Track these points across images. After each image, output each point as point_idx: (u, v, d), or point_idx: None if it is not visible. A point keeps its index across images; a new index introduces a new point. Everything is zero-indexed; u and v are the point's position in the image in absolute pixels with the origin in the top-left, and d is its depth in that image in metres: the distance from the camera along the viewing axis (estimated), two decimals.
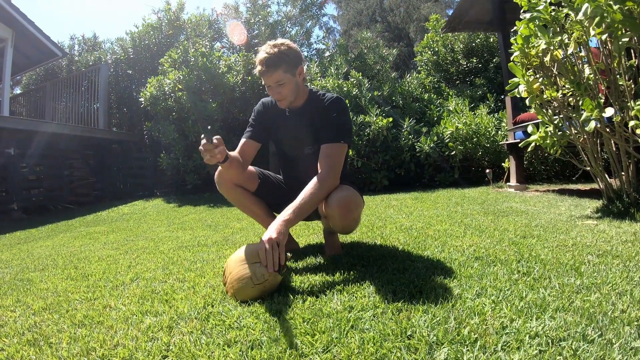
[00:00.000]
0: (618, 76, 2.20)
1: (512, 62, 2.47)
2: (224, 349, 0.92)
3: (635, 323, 0.89)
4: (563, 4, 2.17)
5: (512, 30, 2.72)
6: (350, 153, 5.07)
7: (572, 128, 2.45)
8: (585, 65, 2.31)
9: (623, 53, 2.13)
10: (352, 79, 5.92)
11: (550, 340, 0.84)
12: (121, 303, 1.34)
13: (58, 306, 1.38)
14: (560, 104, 2.40)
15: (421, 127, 5.37)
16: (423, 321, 0.96)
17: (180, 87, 6.10)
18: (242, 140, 1.78)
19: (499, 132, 5.18)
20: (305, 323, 1.02)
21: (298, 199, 1.45)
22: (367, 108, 5.34)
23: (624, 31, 1.97)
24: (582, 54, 2.35)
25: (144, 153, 7.72)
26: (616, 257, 1.42)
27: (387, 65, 7.23)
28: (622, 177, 2.40)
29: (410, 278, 1.31)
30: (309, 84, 5.79)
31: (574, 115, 2.33)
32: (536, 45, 2.36)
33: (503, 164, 4.76)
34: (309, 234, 2.42)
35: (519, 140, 3.65)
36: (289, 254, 1.32)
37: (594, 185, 3.69)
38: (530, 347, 0.82)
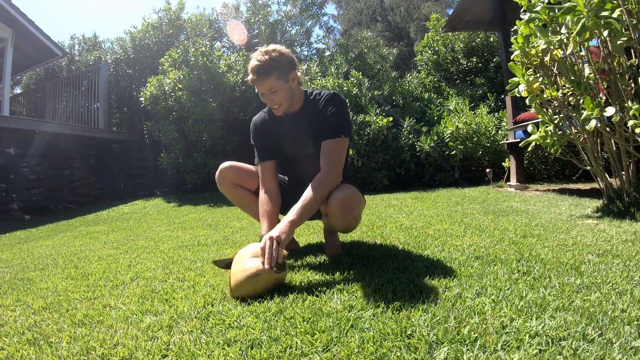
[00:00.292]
0: (618, 75, 2.20)
1: (512, 62, 2.46)
2: (224, 348, 0.92)
3: (636, 322, 0.89)
4: (556, 10, 2.17)
5: (512, 29, 2.72)
6: (351, 152, 5.07)
7: (572, 127, 2.45)
8: (585, 65, 2.30)
9: (623, 52, 2.13)
10: (352, 79, 5.92)
11: (550, 340, 0.84)
12: (121, 302, 1.34)
13: (58, 305, 1.38)
14: (561, 104, 2.40)
15: (421, 126, 5.36)
16: (423, 320, 0.96)
17: (180, 86, 6.10)
18: (258, 167, 1.74)
19: (499, 131, 5.18)
20: (305, 322, 1.02)
21: (301, 200, 1.45)
22: (367, 107, 5.33)
23: (623, 31, 1.97)
24: (582, 53, 2.35)
25: (144, 153, 7.73)
26: (616, 257, 1.42)
27: (387, 65, 7.23)
28: (622, 176, 2.39)
29: (411, 277, 1.31)
30: (308, 83, 5.80)
31: (574, 114, 2.33)
32: (536, 44, 2.35)
33: (503, 163, 4.76)
34: (309, 233, 2.42)
35: (519, 140, 3.65)
36: (285, 251, 1.32)
37: (594, 185, 3.69)
38: (530, 346, 0.82)
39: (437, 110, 5.96)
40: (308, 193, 1.47)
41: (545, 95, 2.42)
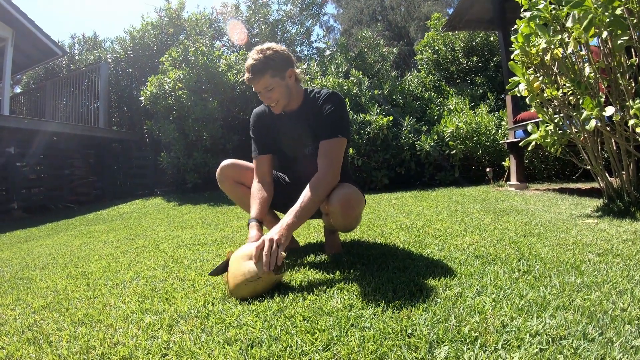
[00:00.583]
0: (618, 75, 2.20)
1: (512, 61, 2.46)
2: (224, 347, 0.92)
3: (636, 322, 0.89)
4: (563, 2, 2.17)
5: (512, 29, 2.71)
6: (351, 152, 5.07)
7: (573, 127, 2.44)
8: (586, 64, 2.30)
9: (623, 52, 2.13)
10: (352, 78, 5.91)
11: (550, 339, 0.84)
12: (121, 301, 1.34)
13: (58, 304, 1.38)
14: (561, 103, 2.40)
15: (421, 125, 5.36)
16: (423, 319, 0.96)
17: (180, 85, 6.10)
18: (255, 160, 1.75)
19: (500, 131, 5.18)
20: (305, 321, 1.02)
21: (299, 202, 1.45)
22: (367, 107, 5.33)
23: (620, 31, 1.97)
24: (583, 52, 2.35)
25: (144, 152, 7.72)
26: (617, 256, 1.41)
27: (387, 64, 7.23)
28: (622, 176, 2.39)
29: (411, 276, 1.31)
30: (309, 82, 5.79)
31: (575, 114, 2.33)
32: (536, 44, 2.35)
33: (503, 162, 4.76)
34: (309, 232, 2.42)
35: (519, 139, 3.65)
36: (283, 253, 1.32)
37: (595, 184, 3.69)
38: (530, 345, 0.82)
39: (437, 109, 5.96)
40: (306, 194, 1.46)
41: (545, 95, 2.41)
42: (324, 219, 1.72)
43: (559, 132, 2.43)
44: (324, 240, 1.92)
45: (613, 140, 2.37)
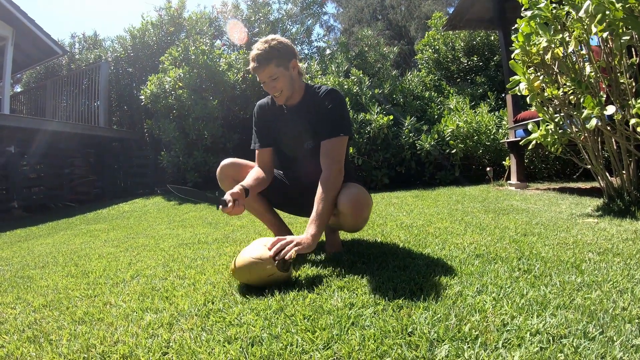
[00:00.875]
0: (619, 74, 2.20)
1: (513, 60, 2.46)
2: (224, 346, 0.92)
3: (637, 321, 0.89)
4: (564, 1, 2.17)
5: (513, 28, 2.71)
6: (351, 151, 5.07)
7: (573, 126, 2.44)
8: (586, 64, 2.30)
9: (624, 51, 2.12)
10: (352, 77, 5.91)
11: (551, 338, 0.84)
12: (121, 300, 1.34)
13: (58, 303, 1.38)
14: (561, 102, 2.39)
15: (422, 125, 5.36)
16: (424, 318, 0.96)
17: (180, 84, 6.09)
18: (256, 152, 1.77)
19: (500, 130, 5.17)
20: (305, 320, 1.02)
21: (315, 209, 1.47)
22: (367, 106, 5.33)
23: (624, 29, 1.96)
24: (583, 52, 2.35)
25: (144, 151, 7.72)
26: (617, 255, 1.41)
27: (387, 63, 7.23)
28: (622, 175, 2.39)
29: (411, 275, 1.31)
30: (309, 81, 5.79)
31: (575, 113, 2.33)
32: (537, 43, 2.35)
33: (504, 162, 4.76)
34: None
35: (519, 139, 3.64)
36: (293, 253, 1.33)
37: (595, 184, 3.69)
38: (531, 344, 0.82)
39: (437, 108, 5.95)
40: (319, 199, 1.49)
41: (545, 94, 2.41)
42: (330, 219, 1.73)
43: (560, 131, 2.43)
44: (324, 239, 1.92)
45: (613, 140, 2.37)
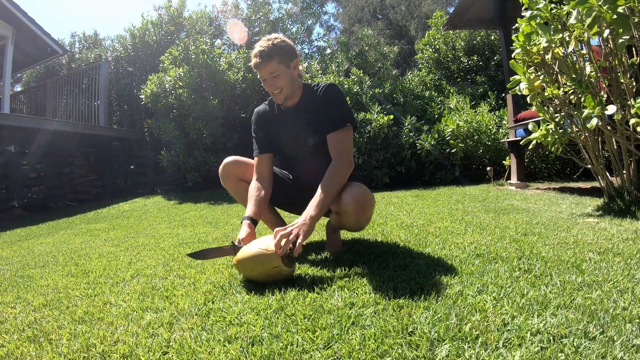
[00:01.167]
0: (619, 74, 2.19)
1: (513, 60, 2.46)
2: (225, 345, 0.92)
3: (637, 320, 0.89)
4: (564, 1, 2.16)
5: (513, 27, 2.71)
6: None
7: (574, 126, 2.44)
8: (587, 63, 2.30)
9: (624, 51, 2.12)
10: (353, 77, 5.91)
11: (551, 337, 0.83)
12: (121, 299, 1.34)
13: (58, 303, 1.38)
14: (562, 102, 2.39)
15: (422, 124, 5.36)
16: (424, 318, 0.96)
17: (180, 84, 6.09)
18: (255, 158, 1.76)
19: (500, 129, 5.17)
20: (306, 319, 1.02)
21: (318, 194, 1.46)
22: (368, 105, 5.33)
23: (621, 29, 1.96)
24: (584, 51, 2.34)
25: (144, 150, 7.72)
26: (617, 255, 1.41)
27: (388, 63, 7.22)
28: (623, 175, 2.39)
29: (411, 275, 1.31)
30: (309, 81, 5.79)
31: (575, 112, 2.33)
32: (537, 42, 2.35)
33: (504, 161, 4.76)
34: None
35: (520, 138, 3.64)
36: (300, 241, 1.33)
37: (595, 184, 3.69)
38: (531, 344, 0.81)
39: (437, 108, 5.95)
40: (324, 184, 1.48)
41: (546, 94, 2.41)
42: (332, 217, 1.72)
43: (560, 131, 2.43)
44: (324, 238, 1.92)
45: (614, 139, 2.37)
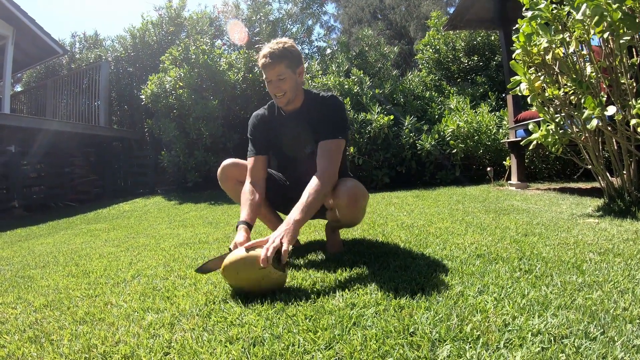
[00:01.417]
0: (620, 74, 2.20)
1: (513, 60, 2.46)
2: (226, 346, 0.92)
3: (637, 321, 0.89)
4: (564, 2, 2.17)
5: (513, 28, 2.71)
6: (352, 150, 5.07)
7: (574, 126, 2.44)
8: (587, 64, 2.30)
9: (625, 51, 2.12)
10: (353, 77, 5.91)
11: (552, 338, 0.84)
12: (122, 300, 1.34)
13: (59, 303, 1.38)
14: (562, 102, 2.39)
15: (422, 125, 5.36)
16: (425, 318, 0.96)
17: (181, 84, 6.10)
18: (250, 159, 1.74)
19: (500, 130, 5.17)
20: (307, 320, 1.02)
21: (304, 198, 1.45)
22: (368, 106, 5.33)
23: (625, 30, 1.96)
24: (584, 52, 2.34)
25: (144, 150, 7.72)
26: (618, 255, 1.41)
27: (388, 63, 7.23)
28: (623, 175, 2.39)
29: (412, 275, 1.31)
30: (310, 81, 5.79)
31: (576, 113, 2.33)
32: (538, 43, 2.35)
33: (504, 162, 4.76)
34: (311, 231, 2.42)
35: (520, 139, 3.65)
36: (288, 246, 1.30)
37: (595, 184, 3.69)
38: (532, 344, 0.82)
39: (438, 108, 5.95)
40: (309, 190, 1.47)
41: (546, 94, 2.41)
42: (328, 215, 1.73)
43: (560, 131, 2.43)
44: (325, 239, 1.92)
45: (614, 140, 2.37)
